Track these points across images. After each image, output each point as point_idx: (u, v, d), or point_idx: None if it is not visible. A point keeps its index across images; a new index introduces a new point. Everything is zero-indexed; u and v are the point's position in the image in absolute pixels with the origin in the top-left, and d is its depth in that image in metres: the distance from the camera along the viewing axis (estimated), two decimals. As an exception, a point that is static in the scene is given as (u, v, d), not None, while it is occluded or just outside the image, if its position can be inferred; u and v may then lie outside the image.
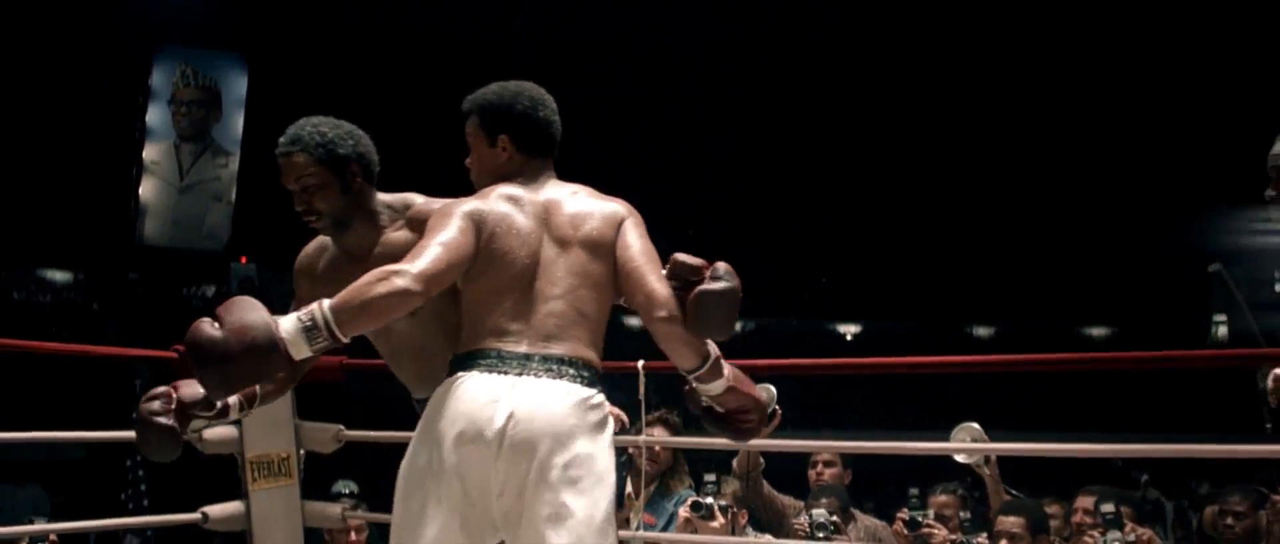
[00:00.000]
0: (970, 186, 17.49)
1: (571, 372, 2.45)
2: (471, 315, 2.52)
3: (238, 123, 16.91)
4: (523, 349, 2.45)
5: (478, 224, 2.50)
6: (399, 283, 2.33)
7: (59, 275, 16.44)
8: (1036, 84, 17.15)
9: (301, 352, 2.29)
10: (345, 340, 2.35)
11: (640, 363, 3.46)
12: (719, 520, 3.99)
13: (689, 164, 16.95)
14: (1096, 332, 19.73)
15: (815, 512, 4.09)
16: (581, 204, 2.59)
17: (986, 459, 4.25)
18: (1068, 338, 18.08)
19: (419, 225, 2.65)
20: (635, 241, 2.56)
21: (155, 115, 16.66)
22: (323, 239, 2.85)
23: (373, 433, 4.01)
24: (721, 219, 16.97)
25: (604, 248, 2.54)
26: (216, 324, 2.28)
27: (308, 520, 4.13)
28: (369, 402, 3.74)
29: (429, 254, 2.41)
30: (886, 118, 17.41)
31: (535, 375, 2.43)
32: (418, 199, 2.79)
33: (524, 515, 2.39)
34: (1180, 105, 16.38)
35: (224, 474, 3.86)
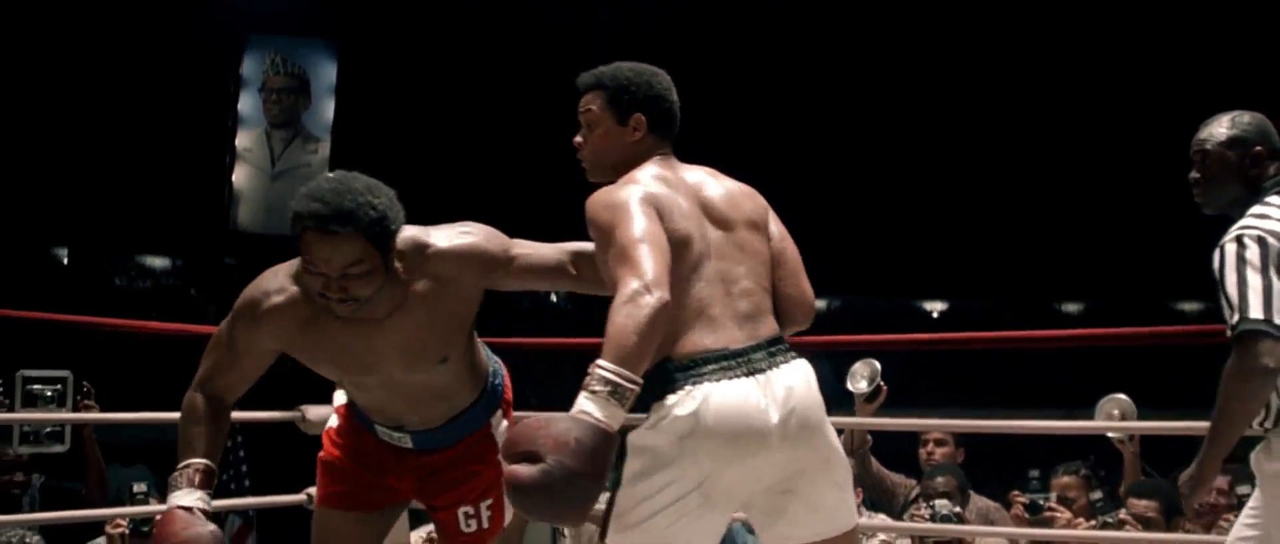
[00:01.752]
0: (1060, 160, 17.26)
1: (789, 351, 2.41)
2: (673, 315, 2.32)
3: (327, 109, 17.14)
4: (741, 341, 2.35)
5: (657, 210, 2.34)
6: (651, 300, 2.15)
7: (158, 261, 16.84)
8: (1128, 58, 16.86)
9: (619, 419, 2.12)
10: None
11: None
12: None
13: (775, 139, 16.91)
14: (1188, 306, 19.39)
15: (937, 502, 3.93)
16: (727, 185, 2.52)
17: (1131, 436, 4.10)
18: (1160, 312, 17.77)
19: (444, 270, 2.54)
20: (783, 232, 2.56)
21: (247, 103, 16.94)
22: (288, 289, 2.56)
23: None
24: (807, 197, 16.93)
25: (762, 230, 2.50)
26: (532, 459, 2.05)
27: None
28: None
29: (647, 257, 2.23)
30: (972, 93, 17.22)
31: (774, 366, 2.35)
32: (431, 239, 2.57)
33: (798, 497, 2.37)
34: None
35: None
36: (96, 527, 4.07)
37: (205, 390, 2.60)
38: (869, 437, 4.45)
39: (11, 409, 3.66)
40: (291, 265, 2.54)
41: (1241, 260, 2.58)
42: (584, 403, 2.10)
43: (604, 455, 2.09)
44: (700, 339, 2.32)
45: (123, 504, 3.95)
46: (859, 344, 4.05)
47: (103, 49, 15.23)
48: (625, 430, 2.32)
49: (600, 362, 2.12)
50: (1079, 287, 18.56)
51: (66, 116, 15.14)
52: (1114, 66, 16.97)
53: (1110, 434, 3.96)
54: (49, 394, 3.75)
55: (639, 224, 2.28)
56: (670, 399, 2.30)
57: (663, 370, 2.31)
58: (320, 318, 2.51)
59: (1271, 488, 2.68)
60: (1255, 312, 2.52)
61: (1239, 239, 2.61)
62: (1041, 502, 3.98)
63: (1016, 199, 17.41)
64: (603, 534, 2.36)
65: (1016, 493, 4.13)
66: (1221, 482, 4.03)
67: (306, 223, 2.38)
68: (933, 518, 3.85)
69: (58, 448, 3.97)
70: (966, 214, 17.48)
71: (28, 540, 3.57)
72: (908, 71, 17.25)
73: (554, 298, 15.99)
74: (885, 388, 4.24)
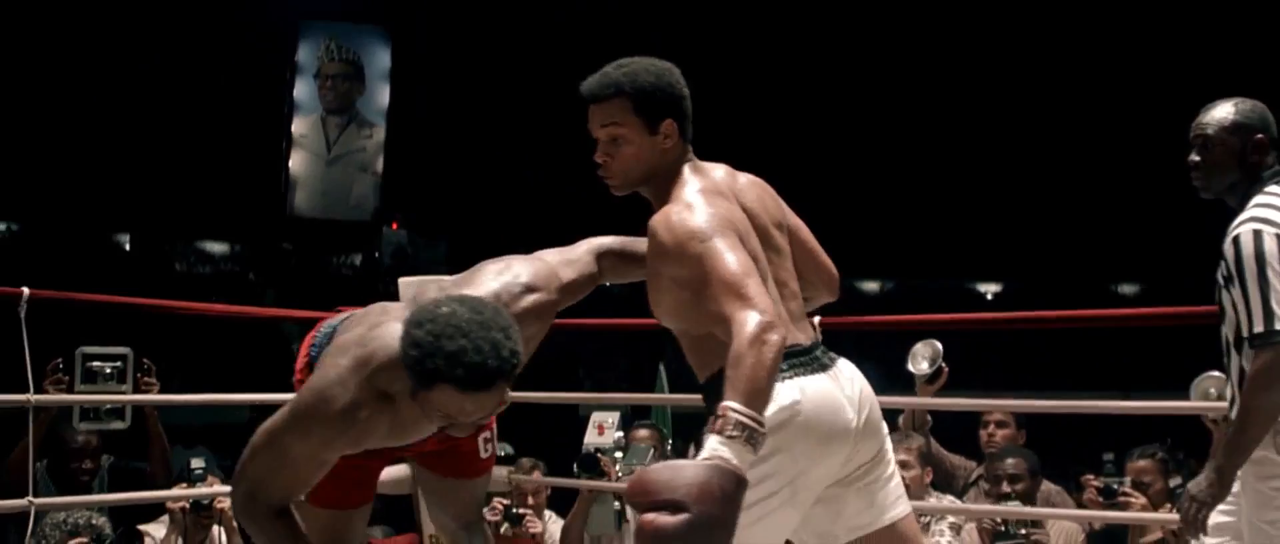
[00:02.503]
0: (1114, 141, 17.06)
1: (832, 351, 2.39)
2: None
3: (382, 95, 17.28)
4: (805, 340, 2.35)
5: (736, 232, 2.27)
6: (776, 339, 2.09)
7: (217, 247, 17.03)
8: (1188, 38, 16.63)
9: (748, 463, 2.06)
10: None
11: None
12: None
13: (828, 122, 16.84)
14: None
15: (1009, 525, 3.79)
16: (756, 185, 2.47)
17: (1226, 416, 4.02)
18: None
19: (386, 384, 2.27)
20: (795, 219, 2.53)
21: (302, 90, 17.11)
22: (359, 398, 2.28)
23: (534, 393, 3.93)
24: (859, 179, 16.85)
25: (784, 228, 2.46)
26: (674, 509, 1.98)
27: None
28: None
29: (758, 291, 2.16)
30: (1028, 73, 17.05)
31: (834, 363, 2.36)
32: (371, 353, 2.28)
33: (859, 484, 2.38)
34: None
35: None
36: (162, 504, 4.11)
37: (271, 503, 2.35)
38: (929, 418, 4.41)
39: (71, 386, 3.69)
40: (349, 377, 2.29)
41: (1261, 259, 2.57)
42: (719, 448, 2.02)
43: (739, 501, 2.02)
44: None
45: (184, 483, 3.98)
46: (915, 324, 3.99)
47: (162, 40, 15.42)
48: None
49: (732, 404, 2.03)
50: (1135, 268, 18.35)
51: (127, 107, 15.34)
52: (1172, 47, 16.74)
53: (1206, 415, 3.81)
54: (108, 371, 3.79)
55: (736, 253, 2.21)
56: (786, 386, 2.25)
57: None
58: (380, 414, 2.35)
59: (1248, 475, 2.68)
60: None
61: (1257, 234, 2.59)
62: (1115, 486, 3.87)
63: (1071, 180, 17.23)
64: None
65: (1090, 477, 4.02)
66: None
67: (456, 374, 2.10)
68: (1006, 523, 3.75)
69: (118, 425, 4.00)
70: (1021, 195, 17.32)
71: (94, 522, 3.62)
72: (964, 52, 17.11)
73: (607, 282, 16.03)
74: (946, 369, 4.19)
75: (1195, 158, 2.79)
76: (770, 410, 2.15)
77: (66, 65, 14.88)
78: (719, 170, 2.43)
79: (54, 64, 14.84)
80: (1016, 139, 17.33)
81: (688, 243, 2.22)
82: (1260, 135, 2.74)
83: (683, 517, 1.96)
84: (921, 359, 4.05)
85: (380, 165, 17.13)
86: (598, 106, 2.37)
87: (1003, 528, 3.76)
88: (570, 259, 2.56)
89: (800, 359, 2.30)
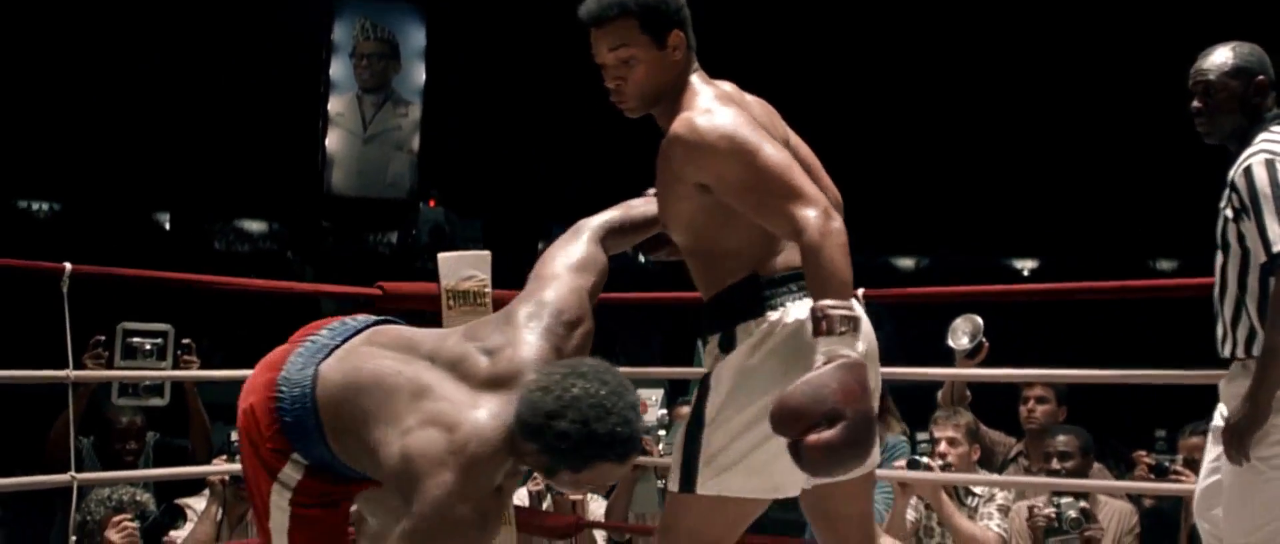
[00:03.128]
0: (1150, 116, 16.90)
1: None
2: (765, 232, 2.26)
3: (417, 73, 17.32)
4: None
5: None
6: (840, 225, 2.10)
7: (256, 225, 17.15)
8: (1225, 12, 16.43)
9: (860, 348, 2.06)
10: None
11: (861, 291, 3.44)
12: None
13: (861, 100, 16.76)
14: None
15: (1062, 501, 3.70)
16: (762, 103, 2.43)
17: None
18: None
19: (494, 478, 2.12)
20: (798, 138, 2.48)
21: (338, 69, 17.19)
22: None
23: None
24: (894, 155, 16.76)
25: (792, 146, 2.40)
26: (828, 422, 1.98)
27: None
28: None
29: (802, 179, 2.15)
30: (1063, 48, 16.90)
31: None
32: (474, 456, 2.08)
33: None
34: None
35: None
36: (204, 480, 4.15)
37: None
38: (968, 393, 4.37)
39: (111, 362, 3.71)
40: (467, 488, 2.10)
41: (1276, 185, 2.60)
42: (838, 346, 2.03)
43: (869, 388, 2.07)
44: (791, 256, 2.25)
45: (225, 456, 4.01)
46: (952, 296, 3.92)
47: (200, 21, 15.50)
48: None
49: (827, 303, 2.04)
50: (1172, 243, 18.18)
51: (166, 88, 15.45)
52: (1210, 22, 16.54)
53: None
54: (148, 348, 3.81)
55: (773, 146, 2.19)
56: (773, 315, 2.25)
57: (752, 288, 2.28)
58: None
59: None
60: None
61: (1270, 162, 2.63)
62: (1168, 464, 3.79)
63: (1108, 155, 17.09)
64: (684, 484, 2.27)
65: (1142, 453, 3.98)
66: None
67: (616, 451, 2.07)
68: (1059, 519, 3.69)
69: (157, 401, 4.03)
70: (1057, 171, 17.20)
71: (139, 498, 3.67)
72: (1001, 26, 16.97)
73: (641, 259, 16.03)
74: (986, 344, 4.14)
75: (1197, 104, 2.82)
76: (790, 320, 2.22)
77: (107, 48, 15.00)
78: (726, 84, 2.39)
79: (94, 46, 14.96)
80: (1053, 114, 17.19)
81: (719, 143, 2.18)
82: (1261, 77, 2.78)
83: (842, 424, 1.97)
84: (962, 334, 3.98)
85: (416, 143, 17.19)
86: (602, 31, 2.30)
87: (1056, 520, 3.69)
88: (580, 261, 2.39)
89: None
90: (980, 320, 4.06)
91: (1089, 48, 16.94)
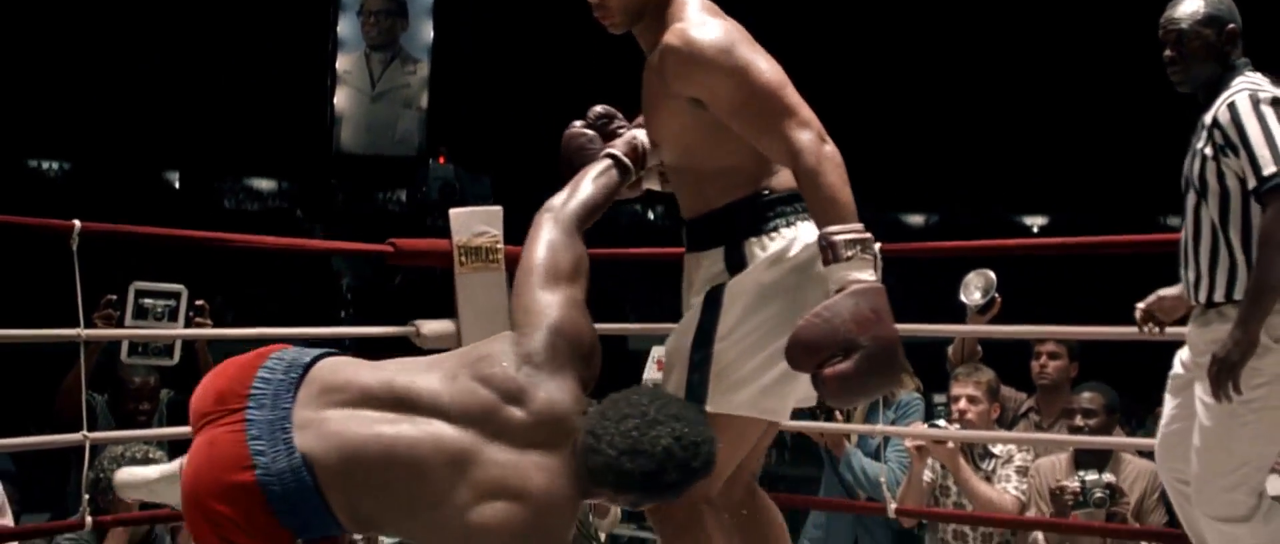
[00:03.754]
0: (1160, 71, 16.78)
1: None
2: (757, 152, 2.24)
3: (426, 31, 17.23)
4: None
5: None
6: (830, 148, 2.08)
7: (265, 184, 17.15)
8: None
9: (873, 269, 2.06)
10: None
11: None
12: (951, 444, 3.86)
13: (869, 56, 16.66)
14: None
15: (1087, 476, 3.65)
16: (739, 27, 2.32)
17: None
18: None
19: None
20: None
21: (346, 26, 17.10)
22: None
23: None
24: (903, 111, 16.69)
25: None
26: (843, 353, 1.97)
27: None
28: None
29: (796, 99, 2.13)
30: (1068, 9, 16.77)
31: None
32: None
33: None
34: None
35: None
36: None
37: None
38: (980, 348, 4.35)
39: (122, 322, 3.71)
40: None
41: (1263, 116, 2.64)
42: (852, 272, 2.01)
43: (890, 312, 2.03)
44: (787, 176, 2.23)
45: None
46: (962, 251, 3.90)
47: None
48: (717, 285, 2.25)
49: (832, 229, 2.03)
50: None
51: (175, 47, 15.41)
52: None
53: None
54: (160, 309, 3.81)
55: (768, 62, 2.15)
56: (788, 232, 2.24)
57: (758, 204, 2.25)
58: None
59: (1204, 360, 2.71)
60: None
61: (1254, 95, 2.67)
62: None
63: (1118, 110, 16.99)
64: (692, 400, 2.21)
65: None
66: None
67: (700, 475, 2.05)
68: (1083, 492, 3.63)
69: (167, 362, 4.03)
70: (1067, 127, 17.11)
71: (151, 455, 3.68)
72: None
73: (651, 215, 16.01)
74: (999, 299, 4.11)
75: (1170, 53, 2.84)
76: (807, 241, 2.19)
77: (116, 7, 14.95)
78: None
79: (103, 6, 14.91)
80: (1062, 70, 17.09)
81: (716, 57, 2.14)
82: (1232, 26, 2.80)
83: (858, 354, 1.96)
84: (974, 288, 3.97)
85: (424, 101, 17.13)
86: None
87: (1081, 495, 3.64)
88: (571, 267, 2.22)
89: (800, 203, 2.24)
90: (993, 275, 4.03)
91: (1098, 1, 16.82)
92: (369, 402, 2.05)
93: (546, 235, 2.23)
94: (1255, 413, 2.68)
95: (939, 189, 17.49)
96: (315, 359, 2.12)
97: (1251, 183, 2.62)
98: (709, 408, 2.21)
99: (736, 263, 2.25)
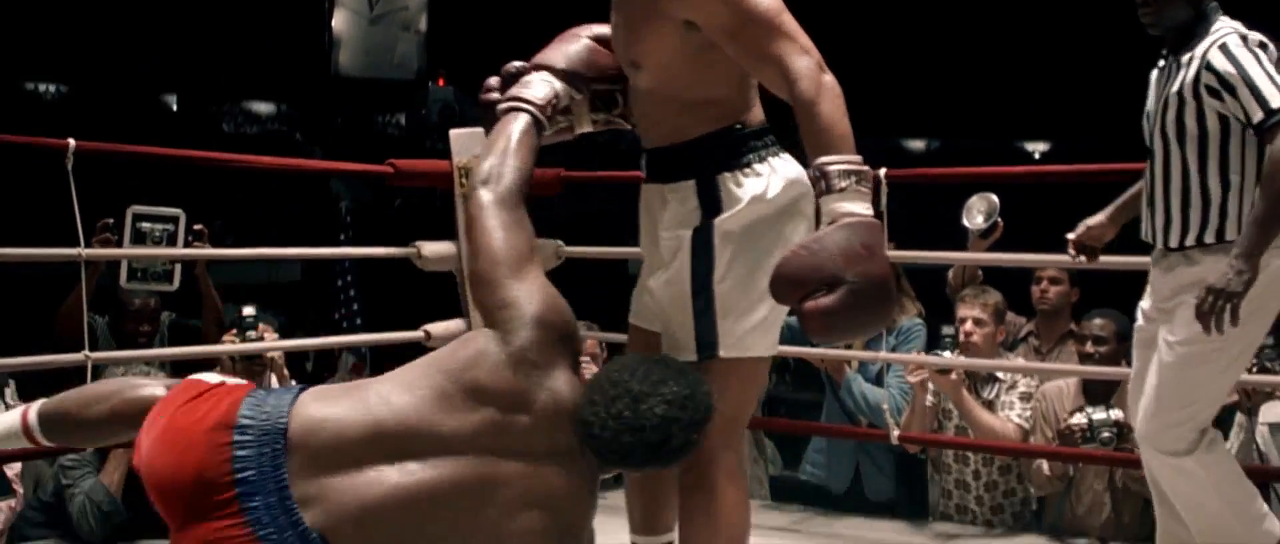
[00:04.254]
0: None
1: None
2: (745, 80, 2.21)
3: (426, -48, 17.08)
4: None
5: None
6: (829, 78, 2.03)
7: (264, 107, 17.08)
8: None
9: (868, 201, 2.00)
10: None
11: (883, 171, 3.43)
12: (954, 375, 3.82)
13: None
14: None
15: (1094, 414, 3.58)
16: None
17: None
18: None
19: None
20: None
21: (344, -52, 16.96)
22: None
23: (593, 249, 3.86)
24: (906, 37, 16.57)
25: None
26: (827, 288, 1.92)
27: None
28: (584, 216, 3.63)
29: (794, 25, 2.08)
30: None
31: None
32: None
33: None
34: None
35: (442, 293, 3.88)
36: (216, 359, 4.16)
37: None
38: (980, 272, 4.33)
39: (120, 247, 3.68)
40: None
41: (1255, 54, 2.64)
42: (845, 204, 1.95)
43: (884, 247, 1.98)
44: (761, 112, 2.21)
45: (234, 329, 4.01)
46: (964, 177, 3.87)
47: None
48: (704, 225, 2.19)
49: (829, 159, 1.97)
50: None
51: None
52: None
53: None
54: (158, 234, 3.78)
55: None
56: (762, 168, 2.19)
57: (733, 138, 2.20)
58: None
59: (1186, 295, 2.70)
60: None
61: (1243, 37, 2.67)
62: None
63: (1120, 36, 16.88)
64: (705, 351, 2.19)
65: None
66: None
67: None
68: (1089, 426, 3.57)
69: (167, 287, 4.01)
70: (1068, 53, 17.00)
71: (153, 377, 3.68)
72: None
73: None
74: (1001, 224, 4.07)
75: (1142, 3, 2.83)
76: (794, 176, 2.16)
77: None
78: None
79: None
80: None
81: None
82: None
83: (842, 289, 1.90)
84: (977, 213, 3.91)
85: (423, 24, 17.02)
86: None
87: (1088, 430, 3.59)
88: (528, 247, 2.13)
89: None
90: (996, 199, 3.98)
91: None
92: (367, 456, 1.91)
93: (497, 218, 2.10)
94: (1218, 351, 2.70)
95: (940, 115, 17.42)
96: (283, 417, 1.92)
97: (1257, 117, 2.60)
98: (723, 354, 2.19)
99: (710, 198, 2.19)
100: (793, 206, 2.19)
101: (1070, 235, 3.15)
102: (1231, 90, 2.64)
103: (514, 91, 2.26)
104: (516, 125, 2.20)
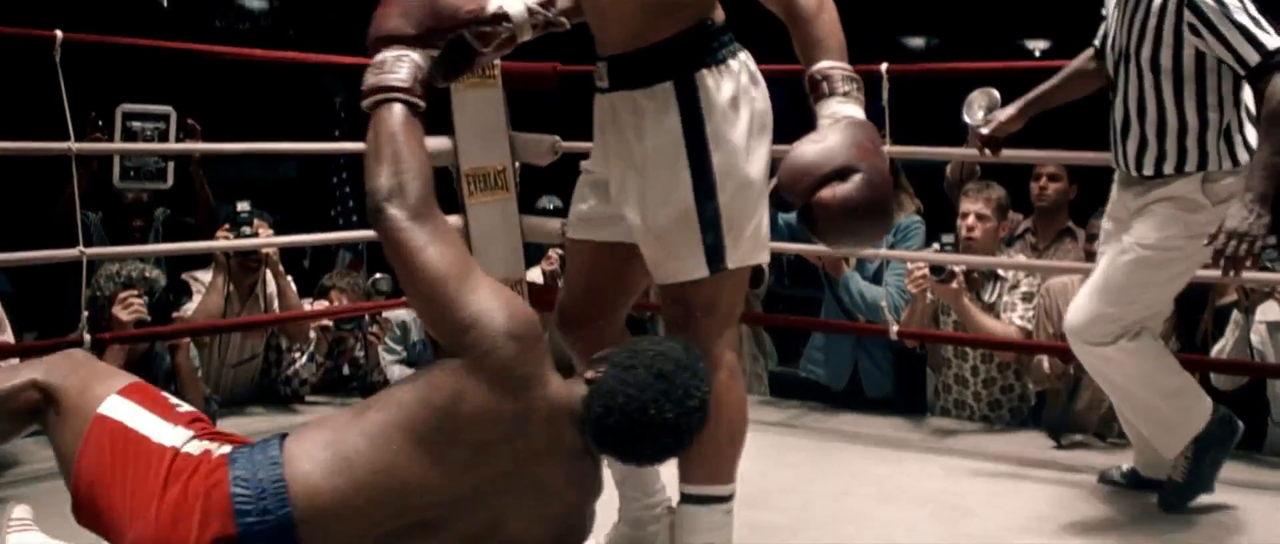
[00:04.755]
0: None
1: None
2: None
3: None
4: None
5: None
6: None
7: (255, 2, 16.88)
8: None
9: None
10: None
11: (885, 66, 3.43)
12: (955, 283, 3.84)
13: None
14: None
15: None
16: None
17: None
18: None
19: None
20: None
21: None
22: None
23: (591, 144, 3.86)
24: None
25: None
26: (840, 177, 1.91)
27: (527, 235, 4.08)
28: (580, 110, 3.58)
29: None
30: None
31: None
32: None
33: None
34: None
35: (439, 188, 3.89)
36: (210, 255, 4.13)
37: None
38: (977, 167, 4.31)
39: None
40: None
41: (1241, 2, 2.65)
42: (846, 107, 1.97)
43: (882, 150, 2.00)
44: (721, 10, 2.19)
45: (228, 224, 3.99)
46: (963, 72, 3.84)
47: None
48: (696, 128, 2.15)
49: (830, 64, 2.00)
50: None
51: None
52: None
53: None
54: (149, 132, 3.74)
55: None
56: (734, 64, 2.16)
57: (706, 33, 2.15)
58: None
59: (1166, 206, 2.78)
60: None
61: None
62: None
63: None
64: (715, 264, 2.17)
65: None
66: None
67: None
68: None
69: (161, 185, 3.98)
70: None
71: (148, 274, 3.68)
72: None
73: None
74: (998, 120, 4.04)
75: None
76: (758, 94, 2.17)
77: None
78: None
79: None
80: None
81: None
82: None
83: (857, 177, 1.90)
84: (977, 107, 3.87)
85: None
86: None
87: None
88: (462, 259, 2.00)
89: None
90: (996, 94, 3.95)
91: None
92: (383, 536, 1.87)
93: (421, 234, 1.94)
94: (1174, 260, 2.80)
95: (939, 11, 17.24)
96: (278, 480, 1.84)
97: (1254, 60, 2.62)
98: (730, 265, 2.17)
99: (689, 98, 2.14)
100: (768, 113, 2.20)
101: (983, 130, 3.21)
102: (1214, 31, 2.65)
103: (375, 80, 2.04)
104: (394, 121, 2.01)
